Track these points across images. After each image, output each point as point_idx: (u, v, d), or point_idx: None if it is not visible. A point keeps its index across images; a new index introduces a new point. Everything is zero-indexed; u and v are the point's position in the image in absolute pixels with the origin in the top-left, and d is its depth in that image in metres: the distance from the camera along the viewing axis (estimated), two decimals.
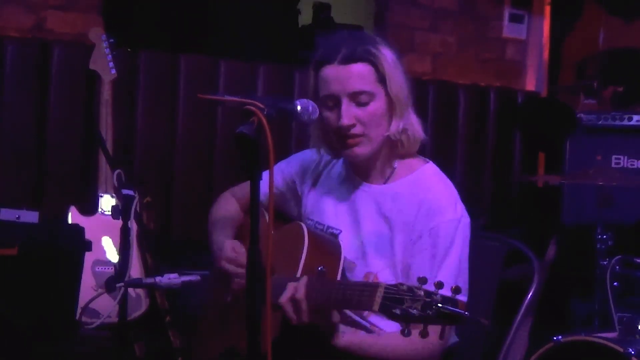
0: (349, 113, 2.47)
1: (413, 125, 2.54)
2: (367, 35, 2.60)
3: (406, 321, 2.06)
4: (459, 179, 5.08)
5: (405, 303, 2.05)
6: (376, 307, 2.11)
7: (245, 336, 2.09)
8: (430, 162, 2.61)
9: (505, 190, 5.38)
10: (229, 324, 2.58)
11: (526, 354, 3.63)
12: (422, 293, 2.04)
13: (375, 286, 2.13)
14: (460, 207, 2.50)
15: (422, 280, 2.06)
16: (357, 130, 2.48)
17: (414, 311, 2.03)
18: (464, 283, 2.45)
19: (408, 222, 2.48)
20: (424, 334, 2.08)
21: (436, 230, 2.44)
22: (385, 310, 2.09)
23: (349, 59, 2.47)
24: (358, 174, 2.61)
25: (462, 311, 2.01)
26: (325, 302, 2.29)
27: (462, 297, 2.07)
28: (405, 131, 2.52)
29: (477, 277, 2.54)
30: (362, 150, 2.51)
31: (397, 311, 2.06)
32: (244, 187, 2.84)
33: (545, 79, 5.70)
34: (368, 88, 2.47)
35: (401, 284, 2.09)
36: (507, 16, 5.58)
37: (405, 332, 2.08)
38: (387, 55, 2.50)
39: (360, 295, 2.17)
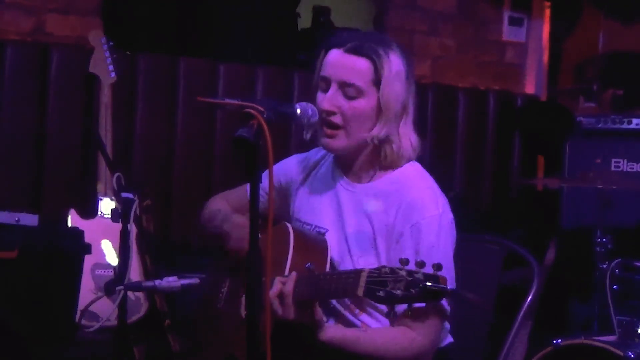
0: (333, 100, 2.48)
1: (400, 139, 2.52)
2: (386, 38, 2.58)
3: (391, 303, 2.08)
4: (458, 182, 5.10)
5: (388, 285, 2.06)
6: (360, 291, 2.12)
7: (243, 343, 2.09)
8: (414, 161, 2.59)
9: (504, 193, 5.38)
10: (227, 329, 2.58)
11: (526, 357, 3.64)
12: (404, 273, 2.04)
13: (359, 272, 2.15)
14: (442, 204, 2.49)
15: (404, 262, 2.07)
16: (336, 120, 2.48)
17: (398, 292, 2.04)
18: (450, 279, 2.43)
19: (389, 223, 2.47)
20: (410, 312, 2.09)
21: (417, 227, 2.43)
22: (370, 294, 2.10)
23: (353, 50, 2.48)
24: (344, 173, 2.61)
25: (444, 286, 2.02)
26: (312, 296, 2.29)
27: (444, 274, 2.06)
28: (389, 142, 2.51)
29: (476, 280, 2.54)
30: (336, 143, 2.51)
31: (382, 294, 2.07)
32: (234, 193, 2.85)
33: (544, 82, 5.71)
34: (359, 83, 2.46)
35: (383, 267, 2.10)
36: (506, 19, 5.58)
37: (391, 315, 2.09)
38: (393, 61, 2.48)
39: (346, 283, 2.18)
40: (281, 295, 2.30)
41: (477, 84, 5.43)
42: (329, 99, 2.47)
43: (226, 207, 2.82)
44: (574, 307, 4.55)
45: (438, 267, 2.04)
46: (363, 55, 2.47)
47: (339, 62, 2.49)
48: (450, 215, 2.49)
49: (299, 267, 2.36)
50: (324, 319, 2.39)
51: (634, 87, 5.18)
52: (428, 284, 2.01)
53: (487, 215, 5.19)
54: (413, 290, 2.02)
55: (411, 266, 2.05)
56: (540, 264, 3.12)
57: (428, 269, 2.04)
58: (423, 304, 2.10)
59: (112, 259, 3.46)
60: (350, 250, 2.52)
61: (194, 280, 2.61)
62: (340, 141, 2.50)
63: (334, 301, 2.47)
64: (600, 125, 4.76)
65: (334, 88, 2.48)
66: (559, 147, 4.79)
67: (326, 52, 2.53)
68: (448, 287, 2.02)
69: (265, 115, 2.12)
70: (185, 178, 4.32)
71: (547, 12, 5.68)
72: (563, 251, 4.64)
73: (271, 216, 2.13)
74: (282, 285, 2.32)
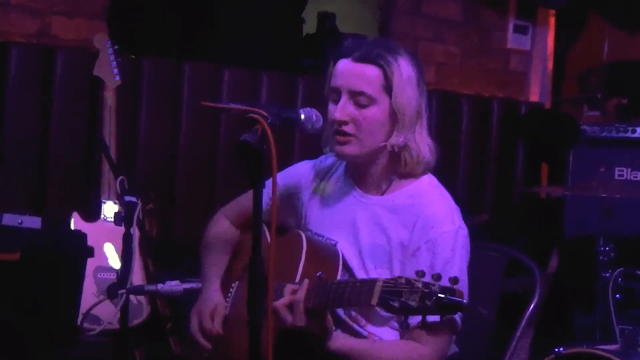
0: (344, 109, 2.46)
1: (418, 145, 2.50)
2: (393, 45, 2.55)
3: (405, 313, 2.05)
4: (461, 189, 5.09)
5: (403, 295, 2.04)
6: (375, 300, 2.10)
7: (246, 349, 2.09)
8: (429, 174, 2.58)
9: (507, 201, 5.37)
10: (231, 334, 2.58)
11: None
12: (420, 285, 2.03)
13: (373, 281, 2.14)
14: (458, 219, 2.48)
15: (420, 274, 2.06)
16: (349, 129, 2.46)
17: (412, 303, 2.02)
18: (464, 294, 2.43)
19: (405, 237, 2.46)
20: (423, 325, 2.08)
21: (434, 242, 2.42)
22: (384, 304, 2.08)
23: (362, 59, 2.46)
24: (356, 183, 2.59)
25: (461, 299, 2.00)
26: (324, 304, 2.28)
27: (461, 288, 2.05)
28: (407, 149, 2.49)
29: (478, 287, 2.54)
30: (350, 149, 2.48)
31: (396, 304, 2.05)
32: (236, 204, 2.83)
33: (549, 90, 5.71)
34: (369, 91, 2.45)
35: (400, 277, 2.08)
36: (511, 27, 5.58)
37: (404, 325, 2.08)
38: (403, 67, 2.46)
39: (360, 291, 2.17)
40: (291, 304, 2.29)
41: (481, 91, 5.43)
42: (340, 109, 2.46)
43: (227, 230, 2.81)
44: (577, 316, 4.55)
45: (455, 280, 2.02)
46: (372, 62, 2.45)
47: (348, 71, 2.47)
48: (465, 230, 2.47)
49: (310, 275, 2.35)
50: (333, 327, 2.37)
51: (638, 96, 5.18)
52: (444, 296, 2.00)
53: (489, 223, 5.18)
54: (428, 302, 2.00)
55: (427, 278, 2.04)
56: (542, 272, 3.11)
57: (444, 282, 2.02)
58: (437, 317, 2.08)
59: (115, 262, 3.46)
60: (364, 263, 2.51)
61: (196, 285, 2.62)
62: (353, 147, 2.48)
63: (340, 312, 2.46)
64: (604, 134, 4.76)
65: (345, 98, 2.46)
66: (562, 155, 4.80)
67: (334, 62, 2.52)
68: (464, 301, 2.01)
69: (269, 120, 2.12)
70: (188, 182, 4.32)
71: (552, 20, 5.69)
72: (566, 259, 4.63)
73: (274, 222, 2.13)
74: (293, 294, 2.30)
